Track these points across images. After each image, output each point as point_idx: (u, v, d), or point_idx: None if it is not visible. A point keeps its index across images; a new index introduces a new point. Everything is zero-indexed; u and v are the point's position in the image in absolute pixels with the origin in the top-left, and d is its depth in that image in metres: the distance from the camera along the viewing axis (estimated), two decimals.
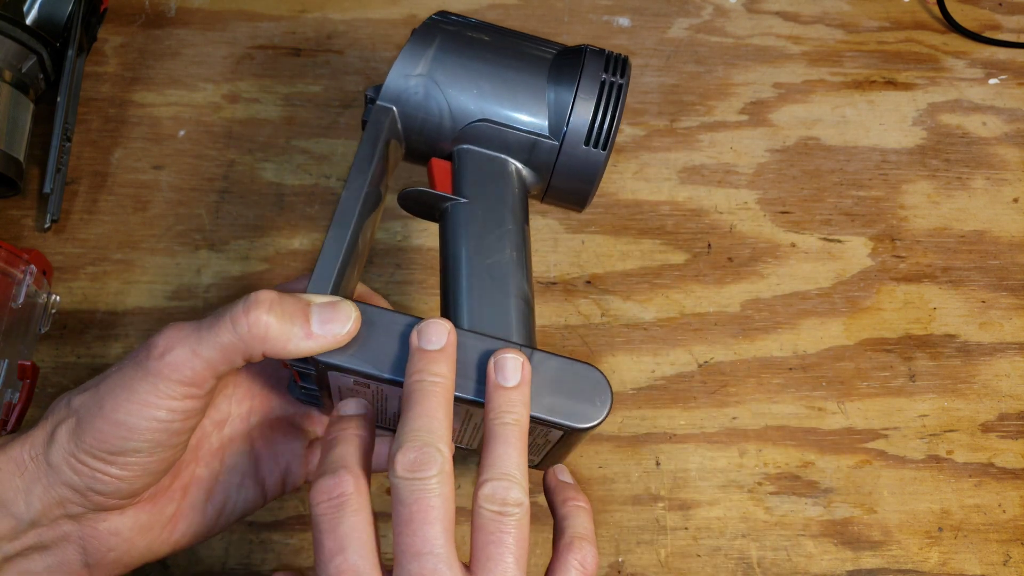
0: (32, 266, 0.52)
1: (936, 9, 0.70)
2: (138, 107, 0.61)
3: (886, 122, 0.66)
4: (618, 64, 0.44)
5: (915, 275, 0.60)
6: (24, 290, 0.51)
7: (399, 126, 0.43)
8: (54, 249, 0.56)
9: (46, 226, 0.56)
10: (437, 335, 0.36)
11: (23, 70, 0.55)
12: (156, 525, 0.39)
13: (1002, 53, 0.69)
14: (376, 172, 0.41)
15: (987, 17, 0.71)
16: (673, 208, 0.61)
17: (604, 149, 0.43)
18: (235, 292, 0.56)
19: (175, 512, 0.40)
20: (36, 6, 0.56)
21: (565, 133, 0.43)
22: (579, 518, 0.38)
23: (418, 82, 0.42)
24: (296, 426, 0.45)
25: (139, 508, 0.38)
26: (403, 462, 0.32)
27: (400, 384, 0.36)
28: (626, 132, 0.64)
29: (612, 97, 0.43)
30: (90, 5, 0.59)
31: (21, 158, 0.54)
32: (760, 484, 0.54)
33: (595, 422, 0.37)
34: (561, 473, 0.41)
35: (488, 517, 0.33)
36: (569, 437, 0.38)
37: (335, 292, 0.38)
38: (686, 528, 0.52)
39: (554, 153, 0.43)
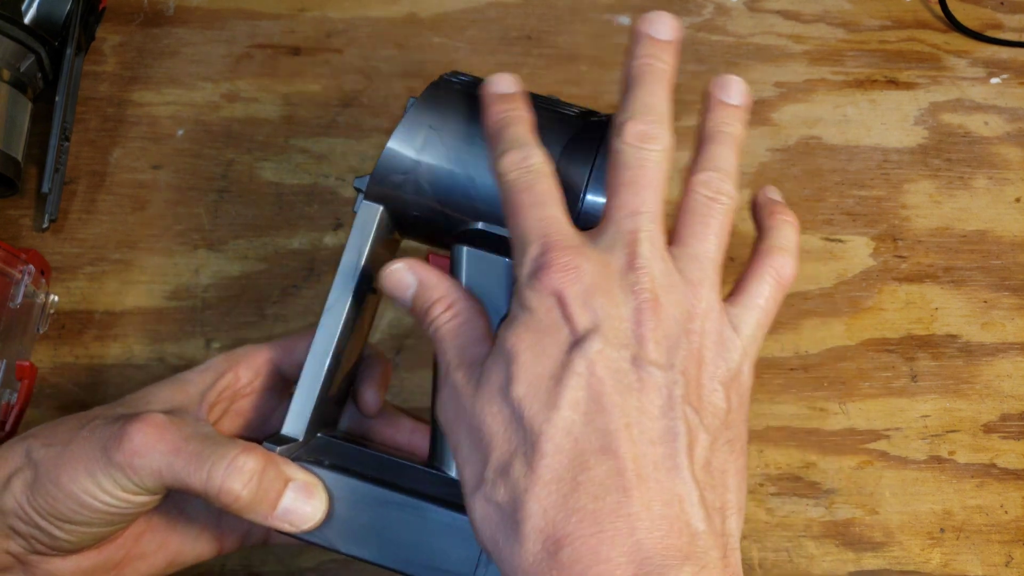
0: (30, 266, 0.51)
1: (938, 8, 0.70)
2: (136, 106, 0.61)
3: (888, 121, 0.66)
4: None
5: (917, 275, 0.60)
6: (22, 290, 0.51)
7: (390, 223, 0.39)
8: (52, 249, 0.56)
9: (44, 226, 0.56)
10: (666, 27, 0.35)
11: (21, 69, 0.55)
12: (100, 570, 0.38)
13: (1004, 52, 0.69)
14: (364, 279, 0.38)
15: (989, 16, 0.71)
16: (673, 208, 0.61)
17: None
18: (234, 292, 0.56)
19: (123, 558, 0.38)
20: (34, 5, 0.56)
21: None
22: (784, 230, 0.36)
23: (406, 180, 0.37)
24: None
25: (84, 555, 0.37)
26: (633, 132, 0.33)
27: (357, 559, 0.35)
28: None
29: None
30: (88, 4, 0.59)
31: (19, 157, 0.54)
32: (761, 485, 0.53)
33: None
34: (771, 191, 0.39)
35: (700, 201, 0.34)
36: None
37: (313, 428, 0.37)
38: None
39: None
